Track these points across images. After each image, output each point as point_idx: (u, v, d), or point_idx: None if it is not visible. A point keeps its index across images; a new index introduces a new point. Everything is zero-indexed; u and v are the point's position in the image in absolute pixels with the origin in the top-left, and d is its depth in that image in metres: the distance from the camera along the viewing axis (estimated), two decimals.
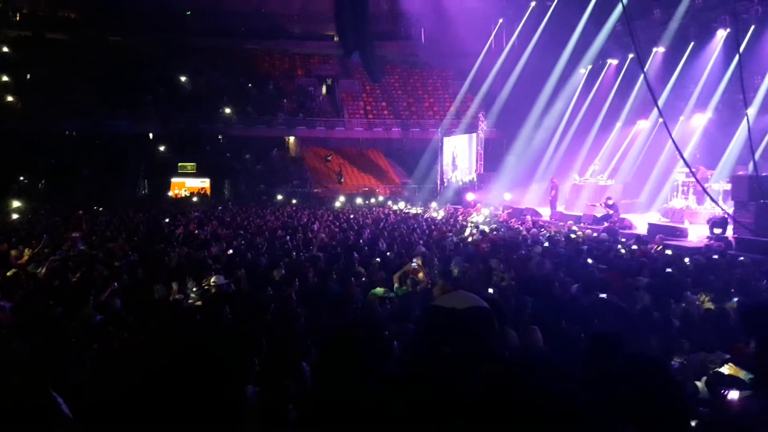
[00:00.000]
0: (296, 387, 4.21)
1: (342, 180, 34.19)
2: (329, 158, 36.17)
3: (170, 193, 32.64)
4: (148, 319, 5.56)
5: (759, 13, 19.91)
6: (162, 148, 34.30)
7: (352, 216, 19.18)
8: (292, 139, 37.61)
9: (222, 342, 3.91)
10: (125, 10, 35.50)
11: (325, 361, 2.64)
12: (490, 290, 6.85)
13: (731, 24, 19.83)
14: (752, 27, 19.67)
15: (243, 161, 34.73)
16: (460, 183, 29.61)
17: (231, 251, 10.53)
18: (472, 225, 16.81)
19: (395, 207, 25.45)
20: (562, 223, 17.62)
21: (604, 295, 6.71)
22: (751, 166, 15.53)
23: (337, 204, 26.95)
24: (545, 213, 20.76)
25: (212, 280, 7.33)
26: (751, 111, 17.78)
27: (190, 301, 6.99)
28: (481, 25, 30.22)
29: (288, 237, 12.83)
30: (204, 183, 34.16)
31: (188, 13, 39.27)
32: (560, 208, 21.25)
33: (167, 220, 17.28)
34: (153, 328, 5.19)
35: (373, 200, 29.25)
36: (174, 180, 33.72)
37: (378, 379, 2.24)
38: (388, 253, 10.42)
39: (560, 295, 6.90)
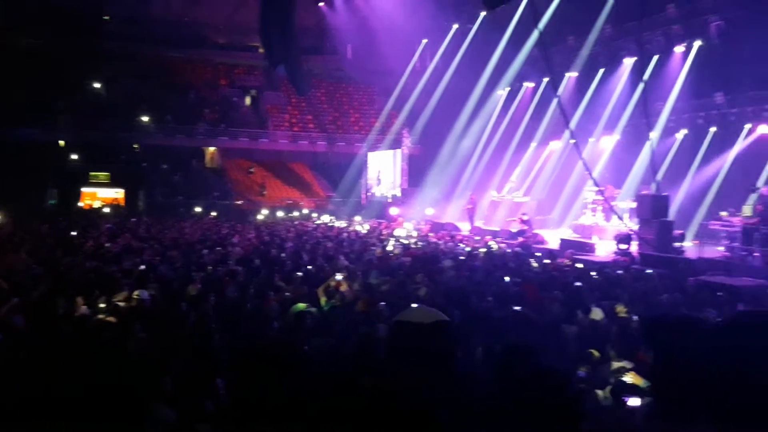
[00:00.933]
0: (212, 404, 4.11)
1: (265, 192, 33.65)
2: (252, 170, 35.54)
3: (81, 204, 30.98)
4: (51, 335, 5.26)
5: (662, 44, 21.45)
6: (74, 157, 32.55)
7: (273, 231, 18.88)
8: (212, 149, 36.70)
9: (129, 360, 3.76)
10: (38, 12, 33.59)
11: (241, 378, 2.59)
12: (414, 305, 6.92)
13: (637, 53, 21.22)
14: (656, 57, 21.15)
15: (160, 172, 33.50)
16: (385, 198, 29.88)
17: (143, 266, 10.10)
18: (394, 239, 16.98)
19: (319, 221, 25.31)
20: (478, 238, 18.09)
21: (518, 308, 6.95)
22: (653, 186, 16.66)
23: (260, 217, 26.49)
24: (465, 228, 21.27)
25: (135, 293, 7.03)
26: (654, 134, 18.98)
27: (101, 316, 6.67)
28: (406, 44, 30.77)
29: (206, 251, 12.47)
30: (118, 194, 32.68)
31: (106, 17, 37.66)
32: (479, 223, 21.85)
33: (76, 233, 16.39)
34: (56, 346, 4.91)
35: (297, 213, 28.96)
36: (85, 190, 32.05)
37: (294, 393, 2.23)
38: (309, 267, 10.33)
39: (476, 307, 7.08)
